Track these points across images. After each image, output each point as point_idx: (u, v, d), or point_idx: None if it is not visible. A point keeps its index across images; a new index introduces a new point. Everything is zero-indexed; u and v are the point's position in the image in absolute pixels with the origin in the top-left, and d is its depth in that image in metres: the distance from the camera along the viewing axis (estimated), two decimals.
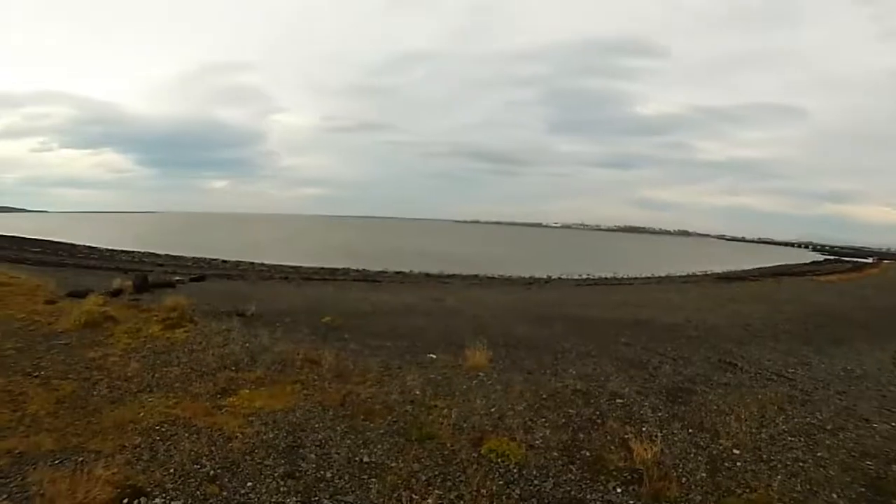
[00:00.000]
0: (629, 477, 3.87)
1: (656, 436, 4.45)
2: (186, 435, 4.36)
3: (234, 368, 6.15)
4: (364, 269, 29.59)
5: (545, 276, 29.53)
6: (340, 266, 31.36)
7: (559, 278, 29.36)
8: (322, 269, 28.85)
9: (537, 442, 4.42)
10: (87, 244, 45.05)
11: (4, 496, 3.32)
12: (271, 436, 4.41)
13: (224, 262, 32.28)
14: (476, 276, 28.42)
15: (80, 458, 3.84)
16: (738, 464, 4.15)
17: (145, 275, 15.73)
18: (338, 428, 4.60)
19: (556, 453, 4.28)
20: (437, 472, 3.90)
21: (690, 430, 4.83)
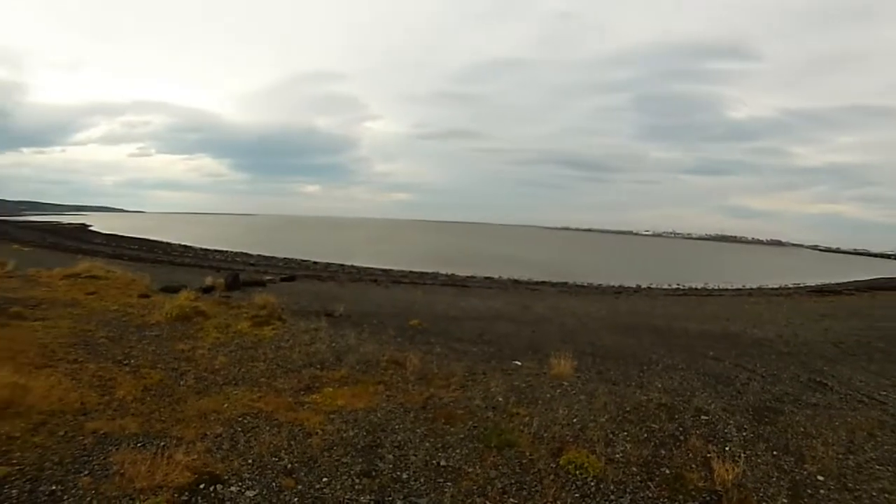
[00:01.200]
0: (708, 498, 4.80)
1: (739, 456, 5.49)
2: (267, 428, 5.71)
3: (319, 367, 8.12)
4: (453, 274, 39.18)
5: (634, 286, 38.57)
6: (429, 270, 41.02)
7: (648, 288, 38.08)
8: (411, 272, 38.28)
9: (617, 456, 5.50)
10: (182, 243, 63.80)
11: (86, 473, 4.62)
12: (351, 434, 5.73)
13: (314, 263, 43.81)
14: (565, 283, 37.40)
15: (162, 443, 5.14)
16: (822, 491, 5.08)
17: (237, 273, 21.00)
18: (418, 430, 5.91)
19: (635, 469, 5.27)
20: (513, 481, 4.93)
21: (775, 453, 5.84)
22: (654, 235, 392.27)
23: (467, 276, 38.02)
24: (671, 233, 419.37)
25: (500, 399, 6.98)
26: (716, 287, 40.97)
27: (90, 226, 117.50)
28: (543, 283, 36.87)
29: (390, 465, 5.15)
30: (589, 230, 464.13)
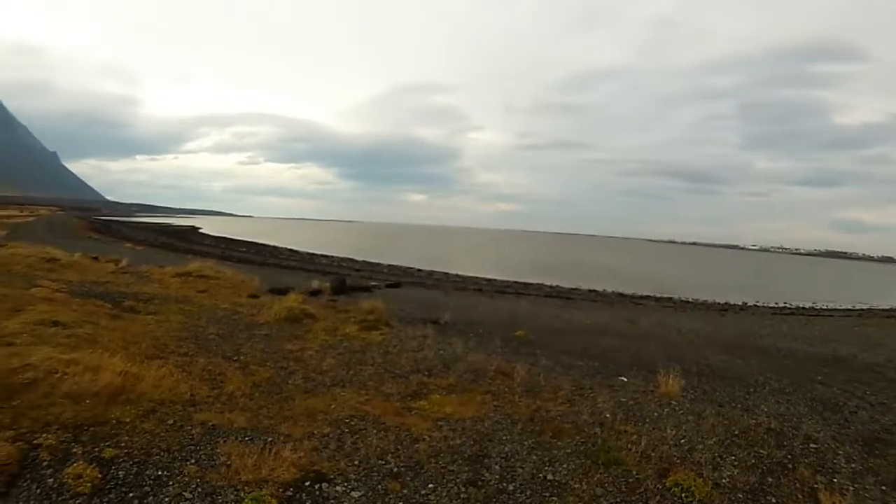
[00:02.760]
0: None
1: (847, 489, 5.70)
2: (375, 431, 6.25)
3: (426, 373, 8.80)
4: (557, 286, 40.85)
5: (740, 303, 39.72)
6: (533, 281, 42.92)
7: (754, 305, 39.33)
8: (515, 282, 40.17)
9: (724, 481, 5.68)
10: (289, 247, 70.19)
11: (193, 461, 5.16)
12: (458, 442, 6.16)
13: (419, 270, 46.66)
14: (669, 298, 38.61)
15: (269, 439, 5.69)
16: None
17: (343, 278, 22.99)
18: (525, 442, 6.27)
19: (741, 496, 5.44)
20: (619, 499, 5.17)
21: (884, 488, 5.95)
22: (760, 250, 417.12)
23: (571, 288, 40.08)
24: (778, 248, 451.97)
25: (608, 415, 7.33)
26: (824, 306, 41.44)
27: (200, 228, 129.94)
28: (647, 297, 38.59)
29: (497, 476, 5.47)
30: (694, 244, 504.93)
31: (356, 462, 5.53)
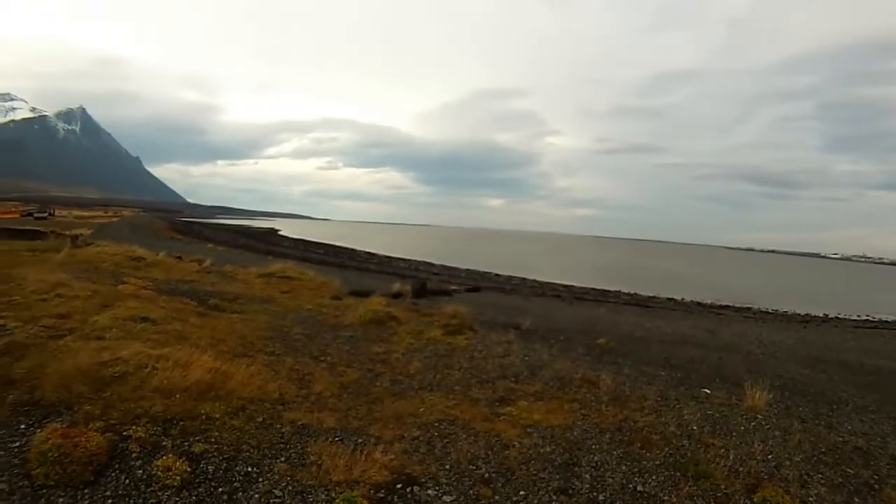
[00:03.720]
0: None
1: None
2: (464, 436, 6.34)
3: (513, 379, 8.96)
4: (635, 293, 41.11)
5: (822, 315, 39.42)
6: (612, 288, 43.50)
7: (837, 317, 39.03)
8: (593, 289, 40.79)
9: (811, 499, 5.69)
10: (367, 250, 72.90)
11: (283, 459, 5.28)
12: (548, 450, 6.24)
13: (497, 275, 47.74)
14: (749, 308, 39.10)
15: (360, 440, 5.78)
16: None
17: (424, 281, 23.43)
18: (614, 452, 6.34)
19: None
20: None
21: None
22: (842, 259, 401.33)
23: (649, 297, 40.15)
24: (861, 256, 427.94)
25: (695, 427, 7.41)
26: None
27: (279, 230, 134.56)
28: (727, 307, 38.71)
29: (587, 486, 5.56)
30: (773, 251, 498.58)
31: (447, 466, 5.59)
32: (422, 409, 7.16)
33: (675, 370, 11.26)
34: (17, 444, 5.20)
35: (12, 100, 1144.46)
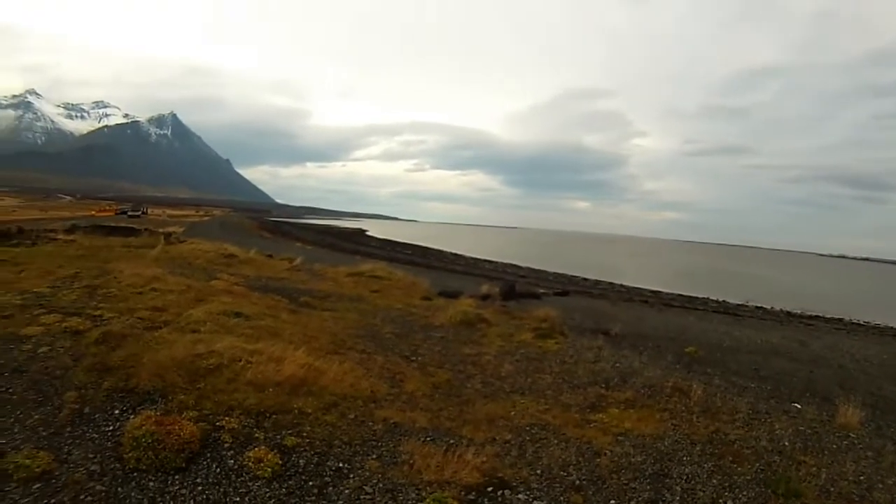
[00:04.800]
0: None
1: None
2: (556, 442, 6.40)
3: (604, 386, 9.06)
4: (723, 301, 40.42)
5: None
6: (699, 294, 42.79)
7: None
8: (681, 295, 40.27)
9: None
10: (454, 251, 74.42)
11: (374, 457, 5.43)
12: (639, 459, 6.27)
13: (584, 279, 47.87)
14: (840, 319, 37.68)
15: (451, 441, 5.86)
16: None
17: (512, 284, 23.45)
18: (704, 465, 6.35)
19: None
20: None
21: None
22: None
23: (738, 304, 39.18)
24: None
25: (786, 443, 7.34)
26: None
27: (366, 230, 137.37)
28: (817, 317, 37.42)
29: (678, 498, 5.57)
30: (867, 259, 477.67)
31: (538, 471, 5.63)
32: (513, 413, 7.25)
33: (765, 382, 11.18)
34: (111, 428, 5.58)
35: (106, 107, 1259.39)
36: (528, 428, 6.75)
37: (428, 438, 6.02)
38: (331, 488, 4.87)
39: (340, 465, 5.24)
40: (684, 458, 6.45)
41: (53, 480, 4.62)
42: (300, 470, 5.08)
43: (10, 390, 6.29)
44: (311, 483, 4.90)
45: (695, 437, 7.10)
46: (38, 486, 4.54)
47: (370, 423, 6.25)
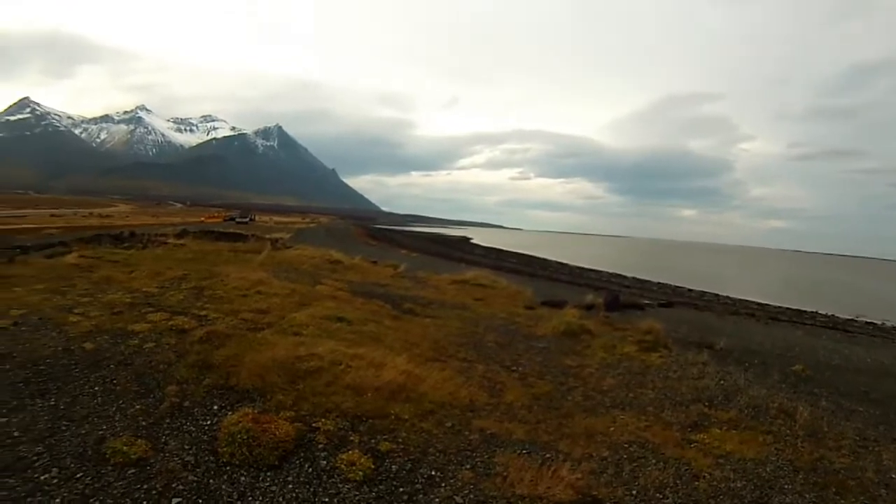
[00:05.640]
0: None
1: None
2: (654, 461, 6.25)
3: (707, 404, 8.76)
4: (833, 315, 38.22)
5: None
6: (807, 308, 40.76)
7: None
8: (788, 309, 38.63)
9: None
10: (558, 260, 74.68)
11: (468, 467, 5.43)
12: (739, 485, 6.06)
13: (689, 290, 46.57)
14: None
15: (547, 455, 5.79)
16: None
17: (617, 294, 23.10)
18: (806, 495, 6.07)
19: None
20: None
21: None
22: None
23: (847, 319, 36.70)
24: None
25: (894, 476, 6.92)
26: None
27: (471, 238, 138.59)
28: None
29: None
30: None
31: (633, 492, 5.49)
32: (612, 429, 7.11)
33: (875, 406, 10.57)
34: (209, 422, 5.87)
35: (214, 121, 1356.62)
36: (626, 445, 6.61)
37: (524, 451, 5.98)
38: (421, 496, 4.90)
39: (433, 473, 5.28)
40: (786, 487, 6.22)
41: (148, 467, 4.93)
42: (392, 475, 5.15)
43: (115, 381, 6.78)
44: (401, 489, 4.95)
45: (798, 464, 6.83)
46: (132, 471, 4.86)
47: (466, 433, 6.26)
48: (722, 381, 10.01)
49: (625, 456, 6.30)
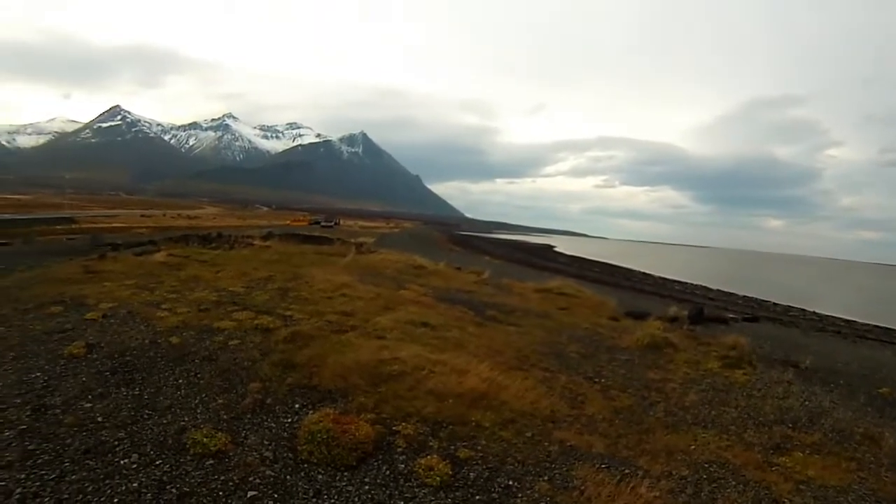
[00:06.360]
0: None
1: None
2: (734, 483, 6.13)
3: (790, 425, 8.53)
4: None
5: None
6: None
7: None
8: (877, 327, 36.68)
9: None
10: (643, 270, 73.94)
11: (545, 479, 5.42)
12: None
13: (775, 305, 45.12)
14: None
15: (626, 471, 5.75)
16: None
17: (701, 307, 22.53)
18: None
19: None
20: None
21: None
22: None
23: None
24: None
25: None
26: None
27: (554, 246, 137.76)
28: None
29: None
30: None
31: None
32: (693, 447, 7.00)
33: None
34: (289, 420, 6.11)
35: (299, 128, 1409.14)
36: (706, 465, 6.52)
37: (603, 465, 5.94)
38: None
39: (510, 482, 5.30)
40: None
41: (226, 460, 5.19)
42: (469, 483, 5.20)
43: (199, 375, 7.17)
44: (477, 497, 5.01)
45: (881, 494, 6.60)
46: (211, 462, 5.12)
47: (546, 444, 6.27)
48: (807, 402, 9.77)
49: (704, 476, 6.22)
